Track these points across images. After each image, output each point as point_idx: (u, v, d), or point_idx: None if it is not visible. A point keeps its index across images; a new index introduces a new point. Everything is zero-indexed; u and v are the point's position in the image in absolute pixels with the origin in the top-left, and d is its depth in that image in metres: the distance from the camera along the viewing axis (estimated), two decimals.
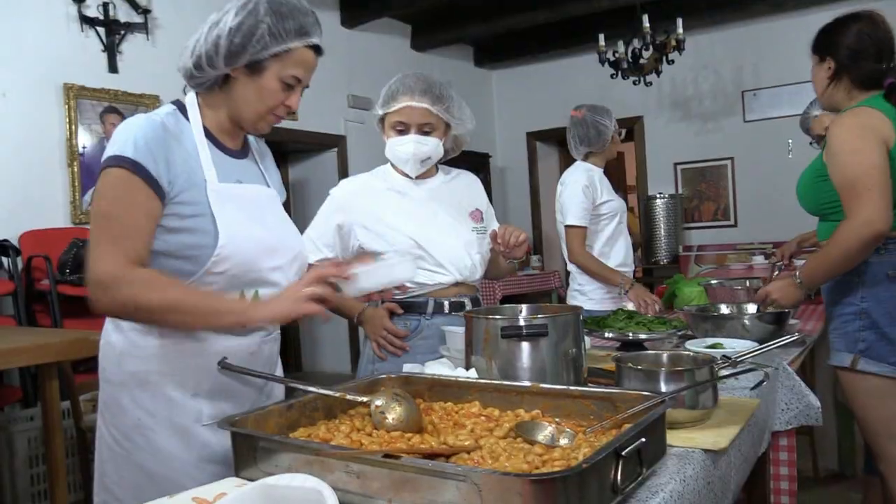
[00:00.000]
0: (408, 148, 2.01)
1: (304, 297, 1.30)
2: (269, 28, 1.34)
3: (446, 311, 2.03)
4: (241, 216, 1.40)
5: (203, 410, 1.38)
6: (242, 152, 1.54)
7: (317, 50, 1.44)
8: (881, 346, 1.95)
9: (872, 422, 2.01)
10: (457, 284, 2.05)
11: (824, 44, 2.08)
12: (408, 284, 1.59)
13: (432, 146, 2.03)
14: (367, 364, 2.09)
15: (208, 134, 1.44)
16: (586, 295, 3.16)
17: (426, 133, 2.02)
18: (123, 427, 1.39)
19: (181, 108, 1.45)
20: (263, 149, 1.65)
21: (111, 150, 1.33)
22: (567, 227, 3.15)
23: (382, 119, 2.08)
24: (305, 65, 1.42)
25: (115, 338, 1.41)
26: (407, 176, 2.10)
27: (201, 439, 1.37)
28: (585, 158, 3.29)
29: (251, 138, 1.60)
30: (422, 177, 2.11)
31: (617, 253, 3.22)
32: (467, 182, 2.23)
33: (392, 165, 2.15)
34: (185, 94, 1.48)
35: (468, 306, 2.07)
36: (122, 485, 1.38)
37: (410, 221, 2.04)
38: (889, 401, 1.97)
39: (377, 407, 1.17)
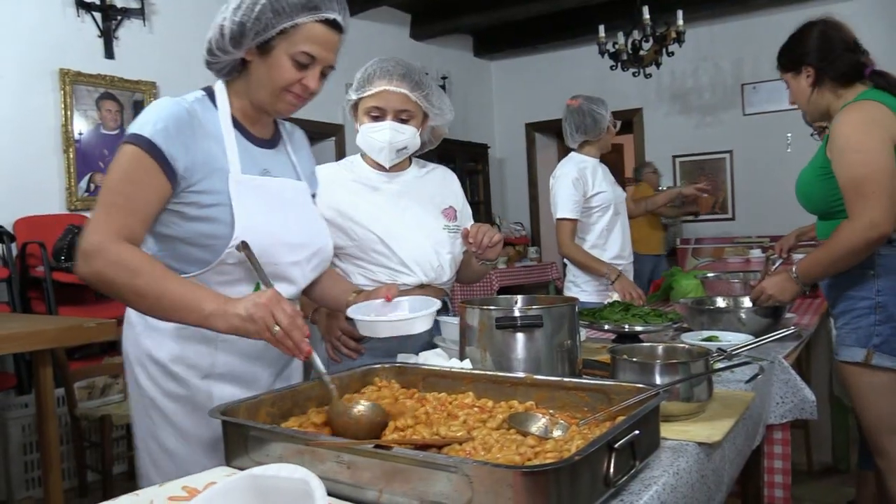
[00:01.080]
0: (384, 135, 1.86)
1: (271, 328, 1.17)
2: (271, 4, 1.31)
3: None
4: (262, 209, 1.39)
5: (214, 393, 1.39)
6: (271, 142, 1.51)
7: (333, 25, 1.38)
8: None
9: (876, 417, 2.00)
10: (422, 286, 1.92)
11: (793, 57, 2.09)
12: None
13: (409, 135, 1.89)
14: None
15: (236, 123, 1.43)
16: (580, 287, 3.19)
17: (403, 121, 1.88)
18: (146, 405, 1.42)
19: (210, 94, 1.44)
20: (297, 138, 1.62)
21: (133, 126, 1.33)
22: (557, 219, 3.18)
23: (356, 105, 1.93)
24: (316, 40, 1.36)
25: (135, 317, 1.43)
26: (379, 167, 1.96)
27: (215, 422, 1.36)
28: (580, 148, 3.33)
29: (284, 128, 1.58)
30: (395, 169, 1.97)
31: (612, 245, 3.22)
32: (442, 176, 2.11)
33: (362, 156, 2.01)
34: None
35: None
36: (154, 463, 1.43)
37: (377, 217, 1.91)
38: None
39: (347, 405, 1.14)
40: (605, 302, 2.42)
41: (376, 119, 1.88)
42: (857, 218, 1.87)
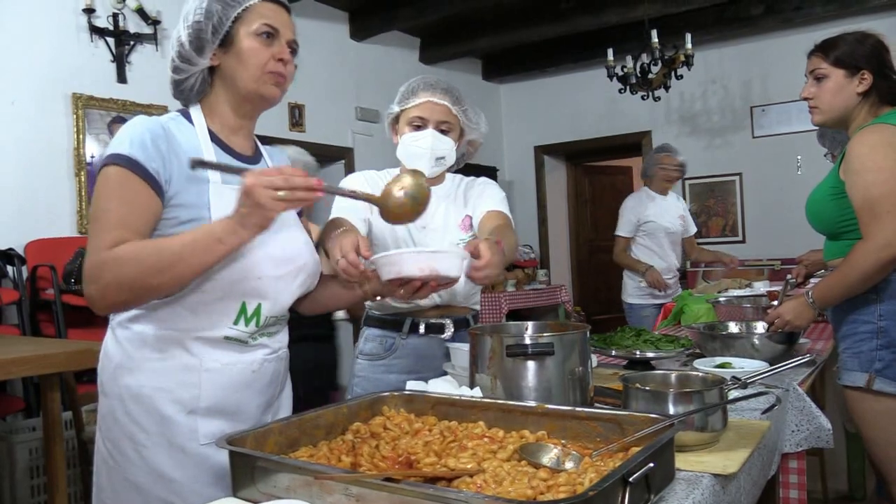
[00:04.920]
0: (425, 142, 1.91)
1: (276, 196, 1.15)
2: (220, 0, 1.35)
3: (421, 332, 1.95)
4: None
5: (199, 429, 1.34)
6: (252, 158, 1.49)
7: (278, 2, 1.41)
8: None
9: (884, 444, 1.97)
10: (437, 307, 1.95)
11: (854, 56, 1.99)
12: (455, 283, 1.42)
13: (449, 146, 1.95)
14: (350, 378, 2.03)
15: (214, 137, 1.42)
16: (627, 291, 4.50)
17: (443, 132, 1.94)
18: (117, 440, 1.36)
19: (185, 114, 1.44)
20: (279, 157, 1.60)
21: (110, 149, 1.31)
22: (614, 235, 4.49)
23: (397, 118, 2.00)
24: (269, 16, 1.38)
25: (113, 349, 1.38)
26: None
27: (196, 459, 1.33)
28: (646, 184, 4.53)
29: (267, 148, 1.57)
30: (430, 182, 1.97)
31: (657, 262, 4.36)
32: (477, 185, 2.10)
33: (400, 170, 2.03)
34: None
35: (449, 328, 1.96)
36: (116, 500, 1.35)
37: (399, 231, 1.92)
38: None
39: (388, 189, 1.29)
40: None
41: (418, 128, 1.94)
42: (870, 238, 1.84)
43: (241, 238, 1.21)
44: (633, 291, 4.51)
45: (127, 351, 1.35)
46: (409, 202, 1.35)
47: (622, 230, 4.49)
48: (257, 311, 1.39)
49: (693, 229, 4.66)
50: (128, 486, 1.34)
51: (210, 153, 1.38)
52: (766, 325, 2.13)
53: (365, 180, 2.00)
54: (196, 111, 1.44)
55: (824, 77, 2.03)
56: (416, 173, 1.39)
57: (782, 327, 2.04)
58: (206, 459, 1.33)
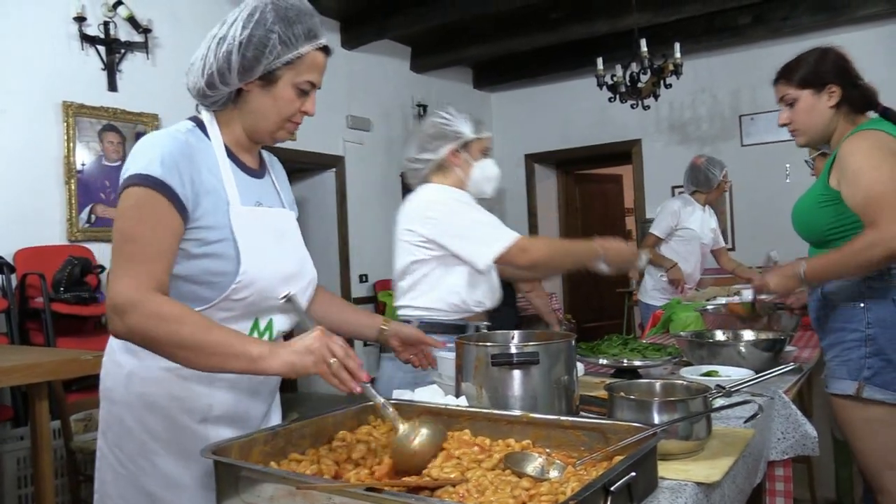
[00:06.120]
0: (497, 169, 2.27)
1: (328, 360, 1.15)
2: (280, 37, 1.31)
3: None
4: (263, 242, 1.36)
5: (211, 436, 1.34)
6: (260, 172, 1.49)
7: (325, 51, 1.40)
8: (887, 372, 1.91)
9: (872, 452, 1.97)
10: (486, 311, 2.25)
11: (817, 74, 2.01)
12: None
13: None
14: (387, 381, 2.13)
15: (229, 153, 1.40)
16: (645, 291, 4.61)
17: None
18: (128, 449, 1.36)
19: (199, 124, 1.40)
20: (276, 164, 1.60)
21: (134, 167, 1.27)
22: (649, 231, 4.54)
23: (467, 144, 2.21)
24: (318, 68, 1.38)
25: (124, 358, 1.37)
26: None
27: (207, 466, 1.33)
28: (692, 194, 4.45)
29: (265, 154, 1.56)
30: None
31: (685, 266, 4.40)
32: None
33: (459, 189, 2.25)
34: (199, 111, 1.43)
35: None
36: (130, 498, 1.36)
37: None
38: (891, 429, 1.93)
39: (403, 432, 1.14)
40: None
41: (486, 156, 2.26)
42: (881, 229, 1.79)
43: (270, 369, 1.18)
44: (651, 292, 4.55)
45: (141, 359, 1.34)
46: (418, 457, 1.14)
47: (658, 229, 4.46)
48: (269, 327, 1.42)
49: (722, 242, 4.72)
50: (138, 494, 1.35)
51: (227, 170, 1.37)
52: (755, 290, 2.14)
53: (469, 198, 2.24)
54: (211, 122, 1.40)
55: (794, 100, 2.05)
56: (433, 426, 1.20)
57: (765, 292, 2.05)
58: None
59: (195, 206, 1.29)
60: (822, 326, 2.08)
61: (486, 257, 2.04)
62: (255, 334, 1.39)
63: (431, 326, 2.09)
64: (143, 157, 1.28)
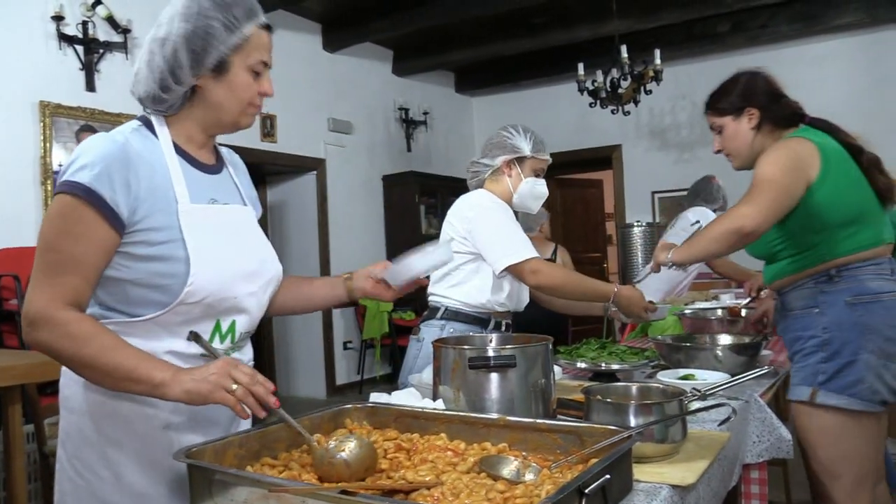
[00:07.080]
0: (545, 190, 2.40)
1: (229, 388, 1.13)
2: (222, 22, 1.29)
3: (503, 329, 2.37)
4: (216, 240, 1.32)
5: (175, 443, 1.30)
6: (216, 167, 1.45)
7: (268, 29, 1.37)
8: (842, 376, 1.92)
9: (822, 460, 1.97)
10: (508, 311, 2.39)
11: (736, 99, 2.08)
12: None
13: None
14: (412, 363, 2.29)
15: (178, 150, 1.36)
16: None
17: None
18: (87, 459, 1.31)
19: (147, 123, 1.37)
20: (237, 161, 1.56)
21: (67, 172, 1.23)
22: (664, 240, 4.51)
23: (522, 159, 2.34)
24: (265, 46, 1.35)
25: None
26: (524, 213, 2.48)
27: (172, 473, 1.28)
28: (690, 205, 4.50)
29: (223, 150, 1.53)
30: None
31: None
32: None
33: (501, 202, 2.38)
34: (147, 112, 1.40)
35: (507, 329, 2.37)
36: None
37: None
38: (842, 439, 1.93)
39: (327, 448, 1.11)
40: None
41: (538, 176, 2.39)
42: (741, 205, 1.89)
43: (170, 396, 1.17)
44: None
45: None
46: (345, 470, 1.09)
47: (677, 241, 4.70)
48: (232, 329, 1.37)
49: None
50: (95, 501, 1.30)
51: (175, 167, 1.33)
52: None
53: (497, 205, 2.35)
54: (160, 122, 1.37)
55: (721, 127, 2.13)
56: (364, 442, 1.16)
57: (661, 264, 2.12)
58: (182, 473, 1.30)
59: (133, 210, 1.25)
60: (786, 336, 2.10)
61: (500, 263, 2.22)
62: (218, 336, 1.35)
63: (456, 314, 2.32)
64: (76, 163, 1.24)
